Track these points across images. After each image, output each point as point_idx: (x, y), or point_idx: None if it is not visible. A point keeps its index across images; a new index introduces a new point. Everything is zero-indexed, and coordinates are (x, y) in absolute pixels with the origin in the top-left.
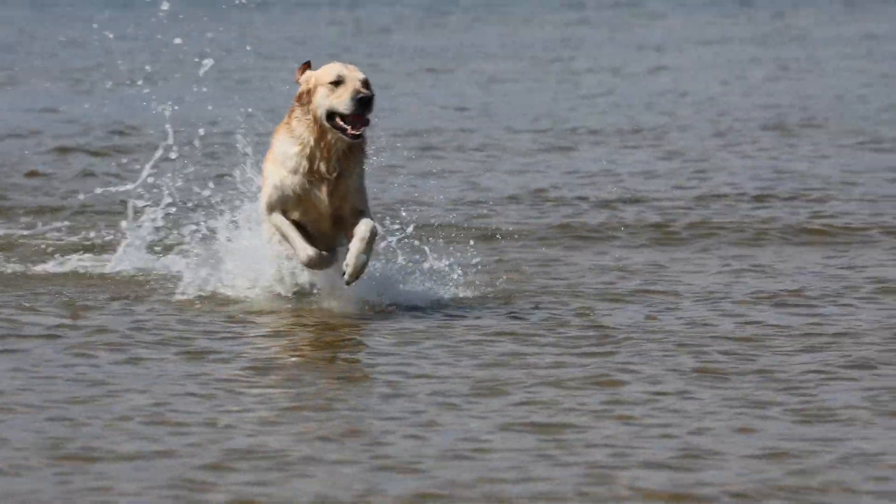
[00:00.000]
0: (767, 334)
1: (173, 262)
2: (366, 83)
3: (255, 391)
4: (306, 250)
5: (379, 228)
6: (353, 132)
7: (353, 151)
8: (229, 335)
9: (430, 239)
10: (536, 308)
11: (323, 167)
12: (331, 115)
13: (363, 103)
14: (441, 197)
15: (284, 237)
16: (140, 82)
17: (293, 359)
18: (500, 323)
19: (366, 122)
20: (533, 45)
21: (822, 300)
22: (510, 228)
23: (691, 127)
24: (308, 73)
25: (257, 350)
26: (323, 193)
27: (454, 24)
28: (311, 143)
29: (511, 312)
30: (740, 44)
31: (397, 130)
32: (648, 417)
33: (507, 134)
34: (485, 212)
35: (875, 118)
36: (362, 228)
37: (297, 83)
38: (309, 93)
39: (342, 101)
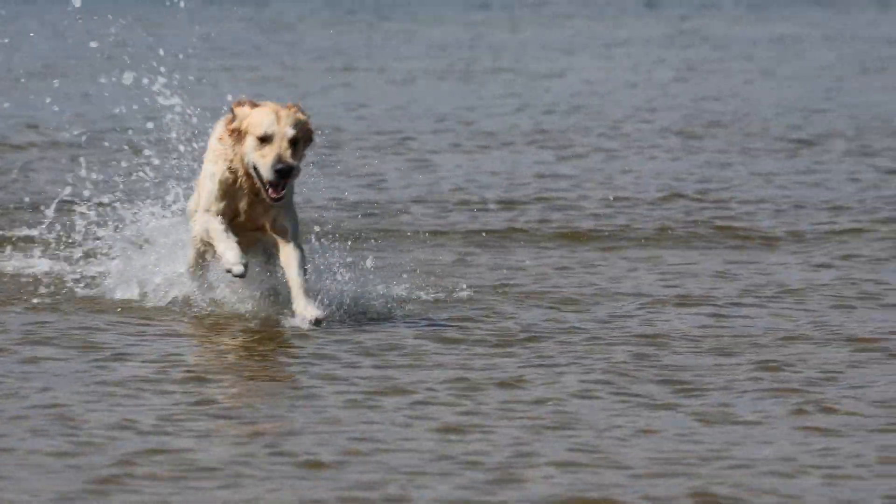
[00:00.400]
0: (671, 336)
1: (69, 261)
2: (294, 141)
3: (157, 393)
4: (237, 265)
5: (306, 250)
6: (273, 195)
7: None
8: (134, 335)
9: (330, 240)
10: (442, 309)
11: (245, 188)
12: (256, 169)
13: (282, 174)
14: (346, 195)
15: (213, 240)
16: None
17: (201, 360)
18: (404, 325)
19: (285, 185)
20: (439, 45)
21: (725, 302)
22: (412, 230)
23: (595, 128)
24: (243, 111)
25: (160, 350)
26: (244, 207)
27: (361, 23)
28: (239, 170)
29: (418, 314)
30: (646, 45)
31: None
32: (551, 416)
33: (413, 134)
34: (381, 213)
35: (778, 120)
36: (295, 274)
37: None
38: (240, 133)
39: (265, 165)
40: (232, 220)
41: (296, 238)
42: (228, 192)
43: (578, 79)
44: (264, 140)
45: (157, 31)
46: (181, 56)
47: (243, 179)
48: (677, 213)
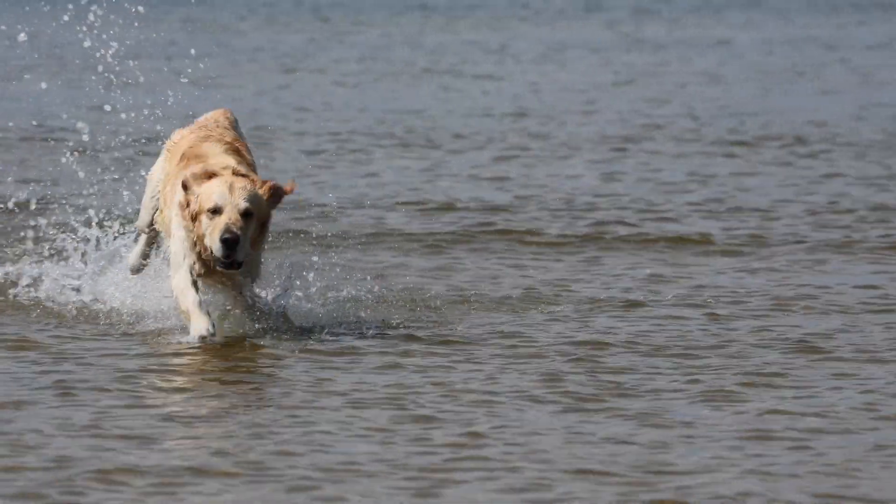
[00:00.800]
0: (603, 340)
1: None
2: (246, 213)
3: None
4: (199, 330)
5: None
6: (226, 263)
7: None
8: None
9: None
10: (365, 311)
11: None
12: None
13: (227, 245)
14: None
15: (182, 303)
16: None
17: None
18: (333, 327)
19: (238, 259)
20: (377, 46)
21: (655, 306)
22: (350, 232)
23: (533, 131)
24: (197, 189)
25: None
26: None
27: (300, 24)
28: (197, 241)
29: (358, 317)
30: (585, 49)
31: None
32: (488, 417)
33: (346, 135)
34: (315, 216)
35: (715, 123)
36: (242, 303)
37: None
38: (196, 214)
39: (213, 239)
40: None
41: (255, 279)
42: (193, 250)
43: (518, 81)
44: (215, 212)
45: (95, 32)
46: (118, 58)
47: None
48: (605, 214)
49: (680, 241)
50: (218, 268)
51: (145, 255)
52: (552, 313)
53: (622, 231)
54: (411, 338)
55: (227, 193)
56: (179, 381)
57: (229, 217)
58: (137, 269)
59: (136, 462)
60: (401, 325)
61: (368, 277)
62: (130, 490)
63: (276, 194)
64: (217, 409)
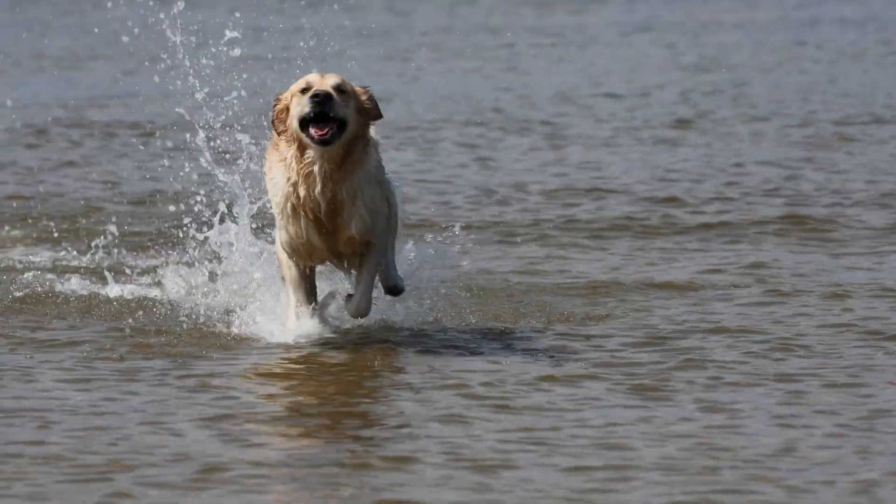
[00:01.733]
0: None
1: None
2: (338, 87)
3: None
4: (290, 320)
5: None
6: (318, 134)
7: (349, 168)
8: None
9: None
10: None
11: (303, 192)
12: (301, 123)
13: (315, 101)
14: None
15: (285, 289)
16: None
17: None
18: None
19: (334, 124)
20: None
21: (599, 293)
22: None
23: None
24: (286, 95)
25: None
26: (318, 235)
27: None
28: (294, 164)
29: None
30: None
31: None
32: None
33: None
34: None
35: (556, 110)
36: (367, 271)
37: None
38: (287, 109)
39: (302, 104)
40: (312, 258)
41: (382, 247)
42: (294, 213)
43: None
44: (305, 91)
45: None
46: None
47: (300, 175)
48: (529, 204)
49: (598, 228)
50: (311, 145)
51: (311, 291)
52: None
53: (565, 219)
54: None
55: (317, 76)
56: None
57: (320, 87)
58: (319, 304)
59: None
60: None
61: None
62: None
63: (373, 100)
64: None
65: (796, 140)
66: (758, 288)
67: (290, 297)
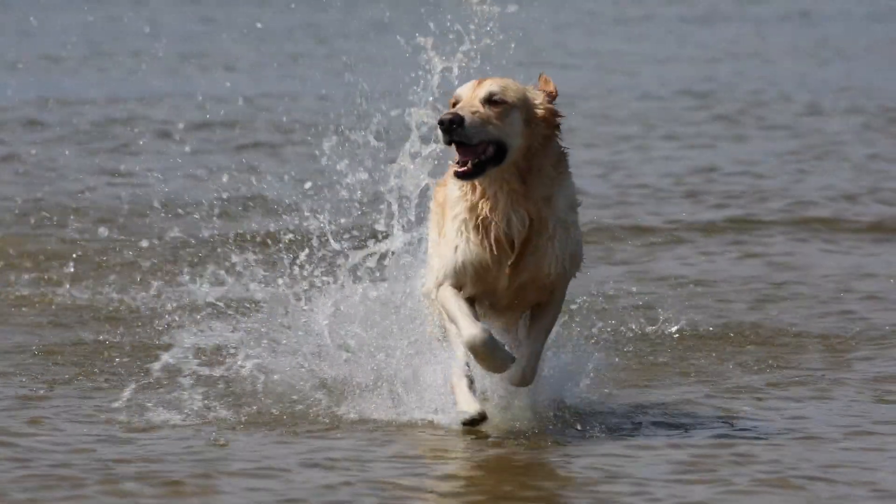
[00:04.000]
0: None
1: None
2: (491, 97)
3: None
4: (471, 328)
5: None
6: (456, 169)
7: (537, 186)
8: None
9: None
10: None
11: (487, 211)
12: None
13: (443, 128)
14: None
15: (447, 314)
16: None
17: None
18: None
19: (485, 149)
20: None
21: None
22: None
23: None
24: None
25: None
26: (498, 265)
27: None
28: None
29: None
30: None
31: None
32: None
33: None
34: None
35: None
36: (538, 330)
37: None
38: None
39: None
40: (478, 290)
41: (560, 298)
42: (476, 230)
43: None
44: (455, 106)
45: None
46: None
47: (477, 195)
48: None
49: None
50: (452, 178)
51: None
52: None
53: None
54: None
55: (473, 85)
56: None
57: (467, 103)
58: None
59: None
60: None
61: None
62: None
63: (553, 93)
64: None
65: None
66: None
67: (458, 317)
